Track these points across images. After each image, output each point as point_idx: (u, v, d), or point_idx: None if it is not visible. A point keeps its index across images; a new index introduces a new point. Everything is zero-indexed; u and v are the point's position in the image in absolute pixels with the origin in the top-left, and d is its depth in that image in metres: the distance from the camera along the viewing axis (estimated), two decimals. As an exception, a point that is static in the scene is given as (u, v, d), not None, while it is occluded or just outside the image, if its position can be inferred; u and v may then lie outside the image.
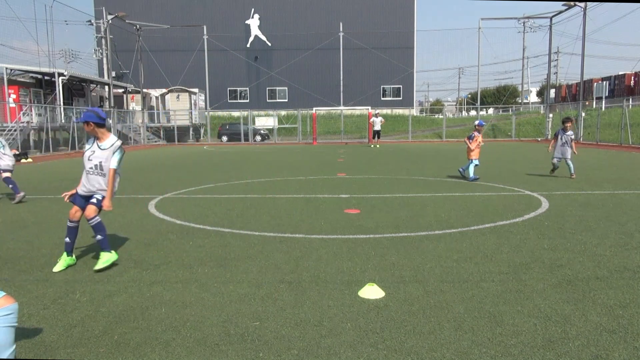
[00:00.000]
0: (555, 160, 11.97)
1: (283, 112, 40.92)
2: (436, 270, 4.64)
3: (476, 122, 12.11)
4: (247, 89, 47.83)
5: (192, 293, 4.11)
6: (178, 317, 3.61)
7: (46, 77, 30.40)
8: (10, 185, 9.17)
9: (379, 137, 28.91)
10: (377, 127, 28.38)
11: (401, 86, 47.65)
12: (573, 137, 11.94)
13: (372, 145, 28.96)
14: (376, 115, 28.56)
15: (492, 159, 18.19)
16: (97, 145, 4.88)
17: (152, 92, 40.50)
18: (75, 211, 4.88)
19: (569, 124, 11.91)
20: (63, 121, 28.21)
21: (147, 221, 7.16)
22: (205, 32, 41.11)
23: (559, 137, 11.90)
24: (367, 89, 46.80)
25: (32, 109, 26.71)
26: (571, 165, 11.72)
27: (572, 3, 31.61)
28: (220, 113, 44.76)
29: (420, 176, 12.62)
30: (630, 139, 25.92)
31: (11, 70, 28.59)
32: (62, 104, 28.70)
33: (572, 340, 3.17)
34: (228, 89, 47.61)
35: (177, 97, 38.88)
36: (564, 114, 35.32)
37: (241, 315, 3.63)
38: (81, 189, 4.92)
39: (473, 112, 54.86)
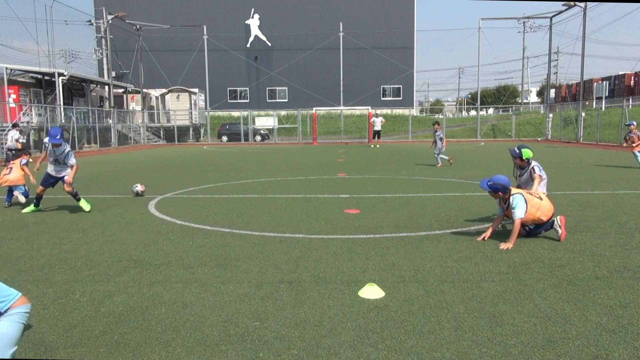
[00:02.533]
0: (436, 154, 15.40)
1: (283, 112, 40.91)
2: (436, 270, 4.64)
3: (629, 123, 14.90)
4: (247, 89, 47.83)
5: (192, 293, 4.11)
6: (178, 317, 3.61)
7: (46, 77, 30.38)
8: None
9: (379, 137, 28.93)
10: (378, 127, 28.41)
11: (401, 86, 47.66)
12: (442, 135, 15.64)
13: (372, 145, 28.97)
14: (376, 115, 28.59)
15: (493, 159, 18.20)
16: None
17: (152, 92, 40.49)
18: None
19: (436, 126, 15.68)
20: (63, 121, 28.19)
21: (147, 221, 7.16)
22: (205, 32, 41.09)
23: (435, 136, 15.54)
24: (367, 89, 46.79)
25: (32, 109, 26.70)
26: (440, 157, 15.33)
27: (572, 3, 31.60)
28: (220, 113, 44.77)
29: (420, 176, 12.62)
30: (630, 139, 25.86)
31: (11, 70, 28.57)
32: (62, 104, 28.69)
33: (572, 340, 3.17)
34: (228, 89, 47.61)
35: (177, 97, 38.88)
36: (564, 114, 35.35)
37: (241, 315, 3.63)
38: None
39: (473, 112, 54.87)
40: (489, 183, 5.69)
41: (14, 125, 19.80)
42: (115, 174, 14.36)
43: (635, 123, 14.61)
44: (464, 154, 21.16)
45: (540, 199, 5.72)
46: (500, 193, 5.67)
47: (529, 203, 5.56)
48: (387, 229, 6.39)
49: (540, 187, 6.32)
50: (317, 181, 11.79)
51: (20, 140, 18.89)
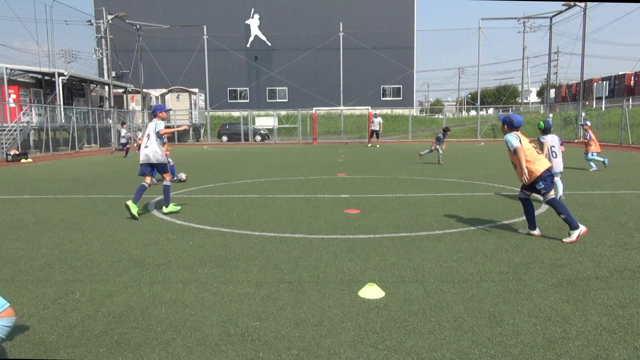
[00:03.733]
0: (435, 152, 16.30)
1: (283, 112, 40.92)
2: (436, 270, 4.64)
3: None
4: (247, 89, 47.83)
5: (192, 293, 4.12)
6: (178, 317, 3.61)
7: (46, 77, 30.39)
8: None
9: (377, 137, 28.97)
10: (375, 127, 28.48)
11: (401, 86, 47.66)
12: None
13: (370, 145, 28.99)
14: (375, 116, 28.68)
15: (493, 159, 18.20)
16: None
17: (152, 92, 40.50)
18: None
19: (449, 132, 16.61)
20: (63, 121, 28.22)
21: (147, 221, 7.16)
22: (205, 32, 41.11)
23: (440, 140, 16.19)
24: (367, 89, 46.80)
25: (32, 109, 26.70)
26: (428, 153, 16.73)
27: (572, 3, 31.62)
28: (220, 113, 44.77)
29: (420, 176, 12.62)
30: (630, 139, 25.91)
31: (11, 70, 28.58)
32: (62, 104, 28.70)
33: (572, 340, 3.17)
34: (228, 89, 47.61)
35: (177, 97, 38.87)
36: (564, 114, 35.35)
37: (241, 315, 3.63)
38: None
39: (473, 112, 54.88)
40: (504, 116, 6.14)
41: (123, 123, 23.39)
42: (115, 174, 14.36)
43: (589, 123, 14.17)
44: (464, 154, 21.16)
45: (539, 154, 5.97)
46: (506, 127, 6.02)
47: (525, 146, 5.78)
48: (387, 229, 6.39)
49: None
50: (317, 181, 11.79)
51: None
